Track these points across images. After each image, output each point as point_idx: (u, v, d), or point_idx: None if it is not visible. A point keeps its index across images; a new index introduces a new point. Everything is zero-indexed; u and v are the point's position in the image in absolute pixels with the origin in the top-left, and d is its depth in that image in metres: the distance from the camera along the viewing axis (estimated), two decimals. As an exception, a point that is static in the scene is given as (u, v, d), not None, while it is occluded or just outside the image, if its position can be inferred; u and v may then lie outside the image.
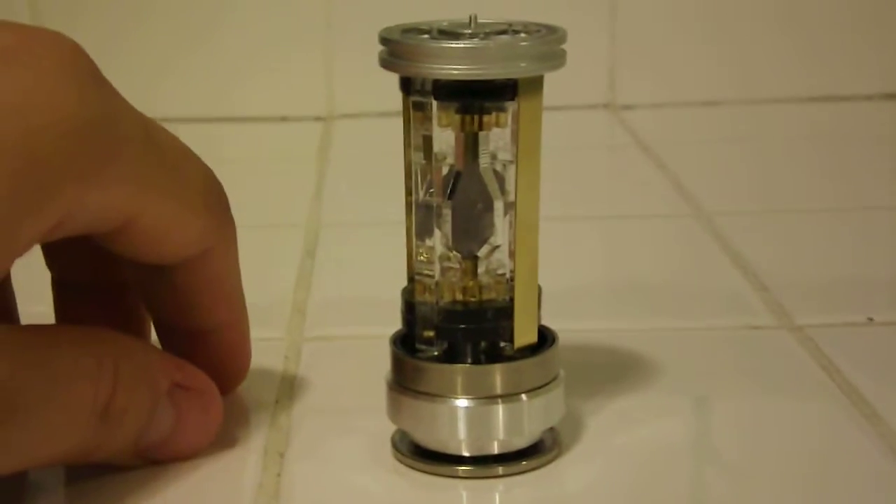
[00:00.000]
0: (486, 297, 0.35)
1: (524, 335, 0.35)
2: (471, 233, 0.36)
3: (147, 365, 0.35)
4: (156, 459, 0.36)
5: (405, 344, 0.36)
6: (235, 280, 0.38)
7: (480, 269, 0.36)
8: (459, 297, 0.35)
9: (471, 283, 0.35)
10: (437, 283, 0.35)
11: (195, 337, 0.38)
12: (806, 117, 0.79)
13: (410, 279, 0.36)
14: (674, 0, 0.81)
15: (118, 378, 0.33)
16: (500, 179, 0.35)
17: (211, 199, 0.36)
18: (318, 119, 0.76)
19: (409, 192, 0.36)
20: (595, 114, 0.80)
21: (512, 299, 0.35)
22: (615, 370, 0.42)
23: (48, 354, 0.32)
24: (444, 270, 0.36)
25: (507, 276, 0.36)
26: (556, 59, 0.34)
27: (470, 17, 0.35)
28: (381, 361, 0.36)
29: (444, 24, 0.35)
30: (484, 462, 0.35)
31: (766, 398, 0.40)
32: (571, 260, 0.54)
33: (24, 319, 0.38)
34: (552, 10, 0.76)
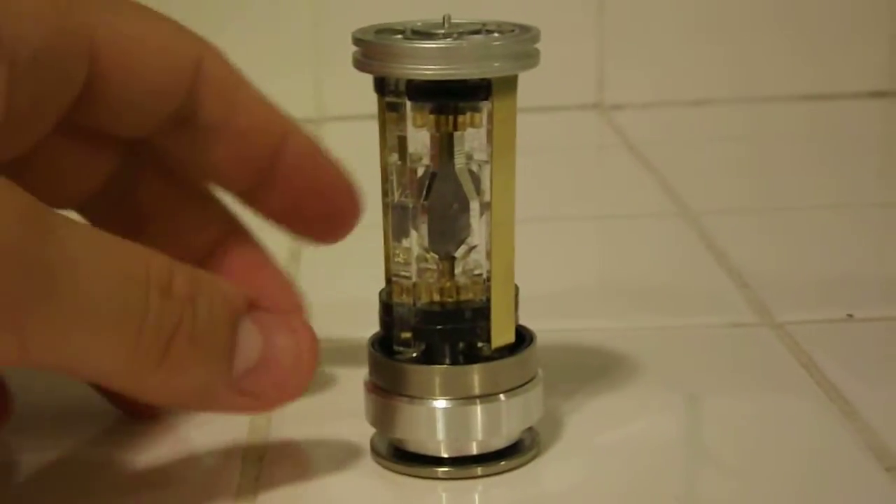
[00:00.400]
0: (463, 297, 0.35)
1: (501, 335, 0.35)
2: (447, 234, 0.36)
3: (212, 277, 0.33)
4: (256, 395, 0.32)
5: (383, 346, 0.36)
6: (252, 87, 0.37)
7: (457, 270, 0.36)
8: (437, 298, 0.35)
9: (448, 284, 0.35)
10: (414, 285, 0.35)
11: (263, 175, 0.37)
12: (793, 116, 0.79)
13: (388, 281, 0.36)
14: (661, 0, 0.81)
15: (175, 264, 0.31)
16: (476, 180, 0.35)
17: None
18: (307, 121, 0.76)
19: (385, 194, 0.36)
20: (584, 114, 0.80)
21: (489, 300, 0.35)
22: (596, 369, 0.42)
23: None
24: (420, 272, 0.36)
25: (484, 276, 0.36)
26: (530, 58, 0.34)
27: (443, 18, 0.35)
28: (360, 363, 0.36)
29: (418, 24, 0.35)
30: (463, 463, 0.35)
31: (746, 395, 0.40)
32: (556, 260, 0.54)
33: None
34: (540, 10, 0.77)
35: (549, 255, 0.54)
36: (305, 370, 0.33)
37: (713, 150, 0.73)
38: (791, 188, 0.65)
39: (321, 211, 0.38)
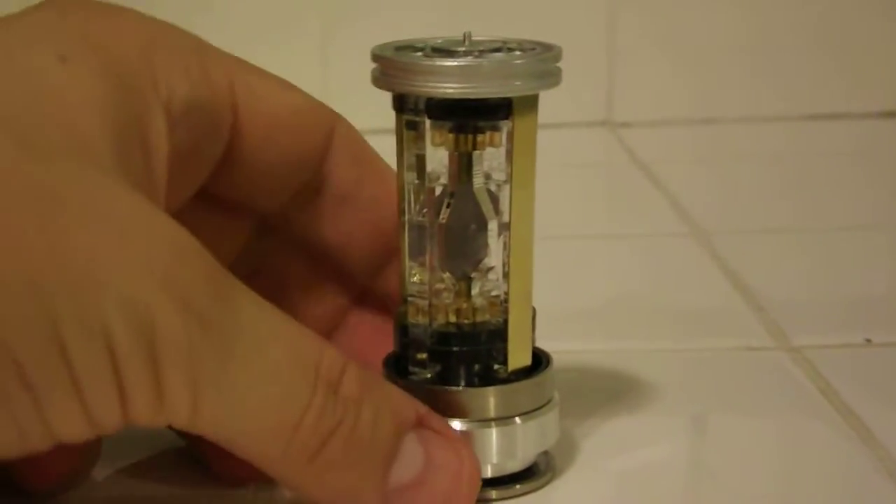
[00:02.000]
0: (479, 318, 0.35)
1: (518, 358, 0.35)
2: (464, 254, 0.35)
3: (386, 385, 0.33)
4: None
5: (398, 366, 0.36)
6: (379, 158, 0.37)
7: (474, 291, 0.35)
8: (453, 319, 0.35)
9: (464, 305, 0.35)
10: (430, 305, 0.35)
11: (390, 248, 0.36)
12: (805, 135, 0.78)
13: (403, 300, 0.36)
14: (672, 18, 0.81)
15: (348, 364, 0.31)
16: (494, 200, 0.35)
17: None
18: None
19: (401, 213, 0.35)
20: (592, 131, 0.80)
21: (506, 321, 0.35)
22: (610, 391, 0.42)
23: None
24: (436, 292, 0.35)
25: (501, 297, 0.35)
26: (552, 77, 0.34)
27: (464, 35, 0.35)
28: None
29: (438, 41, 0.35)
30: (477, 486, 0.35)
31: (763, 420, 0.40)
32: (567, 279, 0.54)
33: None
34: (550, 28, 0.76)
35: (558, 274, 0.54)
36: (463, 498, 0.33)
37: (723, 169, 0.73)
38: (805, 209, 0.64)
39: None
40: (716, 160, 0.74)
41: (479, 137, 0.34)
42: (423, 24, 0.58)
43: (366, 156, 0.37)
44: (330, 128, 0.36)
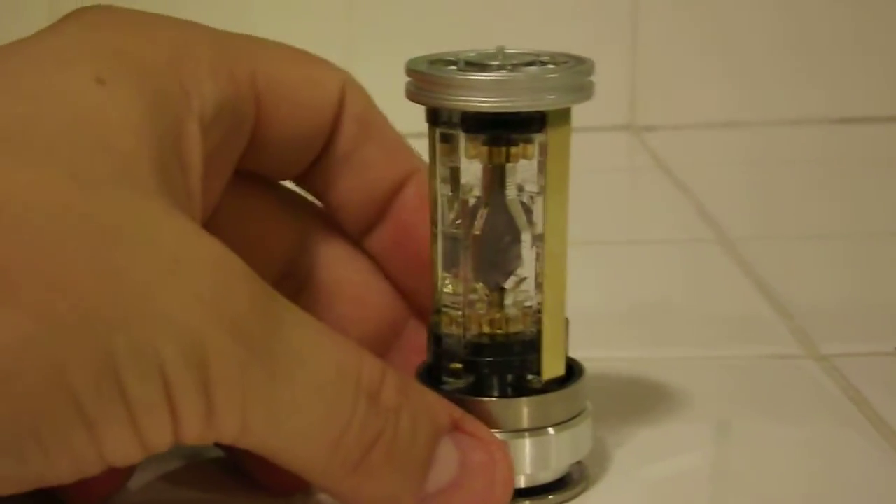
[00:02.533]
0: (512, 329, 0.35)
1: (552, 368, 0.35)
2: (498, 265, 0.35)
3: (421, 390, 0.33)
4: None
5: (431, 375, 0.36)
6: (384, 119, 0.37)
7: (507, 302, 0.35)
8: (486, 329, 0.35)
9: (498, 316, 0.35)
10: (463, 316, 0.35)
11: (381, 211, 0.37)
12: (830, 139, 0.78)
13: (437, 311, 0.36)
14: (694, 21, 0.80)
15: (386, 371, 0.31)
16: (528, 211, 0.35)
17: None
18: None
19: (433, 223, 0.36)
20: (615, 135, 0.80)
21: (539, 332, 0.35)
22: (639, 400, 0.42)
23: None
24: (470, 303, 0.35)
25: (534, 308, 0.35)
26: (585, 90, 0.34)
27: (497, 49, 0.35)
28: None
29: (471, 54, 0.35)
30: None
31: (793, 429, 0.40)
32: (591, 286, 0.53)
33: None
34: (573, 31, 0.77)
35: (580, 280, 0.54)
36: (497, 500, 0.33)
37: (747, 173, 0.73)
38: (833, 214, 0.64)
39: (416, 261, 0.37)
40: (741, 164, 0.74)
41: (513, 150, 0.34)
42: (449, 34, 0.58)
43: (369, 118, 0.37)
44: (342, 91, 0.36)
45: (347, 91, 0.36)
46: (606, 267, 0.58)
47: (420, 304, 0.38)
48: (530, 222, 0.35)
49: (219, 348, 0.28)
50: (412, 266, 0.38)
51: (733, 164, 0.74)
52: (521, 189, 0.35)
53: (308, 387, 0.30)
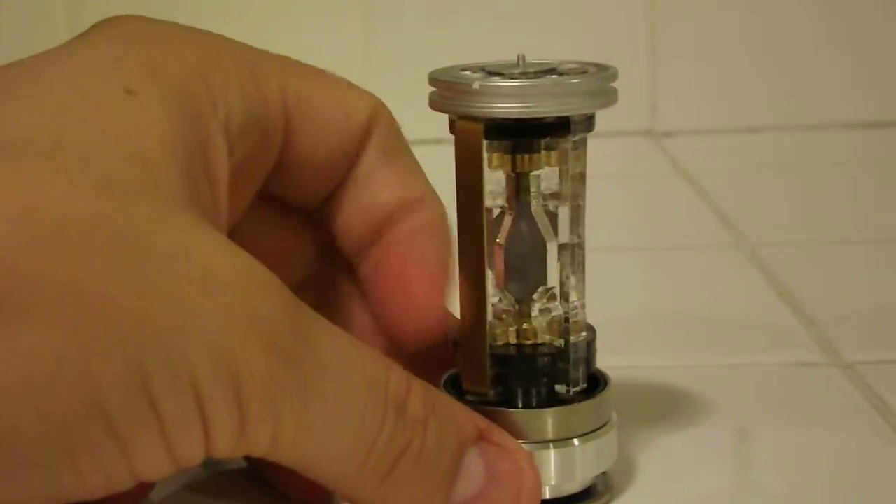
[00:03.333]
0: (539, 340, 0.35)
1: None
2: (524, 275, 0.35)
3: (447, 400, 0.33)
4: None
5: (456, 386, 0.36)
6: (408, 150, 0.37)
7: (533, 312, 0.35)
8: (513, 340, 0.35)
9: (525, 327, 0.35)
10: (490, 327, 0.35)
11: (375, 233, 0.36)
12: (850, 144, 0.78)
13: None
14: (715, 25, 0.80)
15: (413, 382, 0.31)
16: (553, 219, 0.35)
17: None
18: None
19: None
20: (636, 141, 0.79)
21: (567, 342, 0.35)
22: (663, 408, 0.42)
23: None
24: (496, 313, 0.35)
25: (561, 318, 0.35)
26: (609, 95, 0.34)
27: (518, 57, 0.35)
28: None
29: (493, 64, 0.35)
30: (535, 507, 0.35)
31: (819, 439, 0.40)
32: (612, 293, 0.53)
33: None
34: (592, 37, 0.77)
35: (601, 287, 0.54)
36: None
37: (768, 178, 0.72)
38: (853, 219, 0.64)
39: (400, 303, 0.36)
40: (761, 170, 0.74)
41: (536, 157, 0.34)
42: (469, 45, 0.58)
43: (394, 143, 0.37)
44: (372, 115, 0.36)
45: (378, 113, 0.36)
46: (627, 274, 0.58)
47: (395, 334, 0.36)
48: (556, 231, 0.35)
49: (253, 363, 0.28)
50: (389, 293, 0.36)
51: (753, 169, 0.74)
52: (545, 197, 0.35)
53: (339, 399, 0.30)
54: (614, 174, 0.73)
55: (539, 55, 0.35)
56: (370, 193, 0.36)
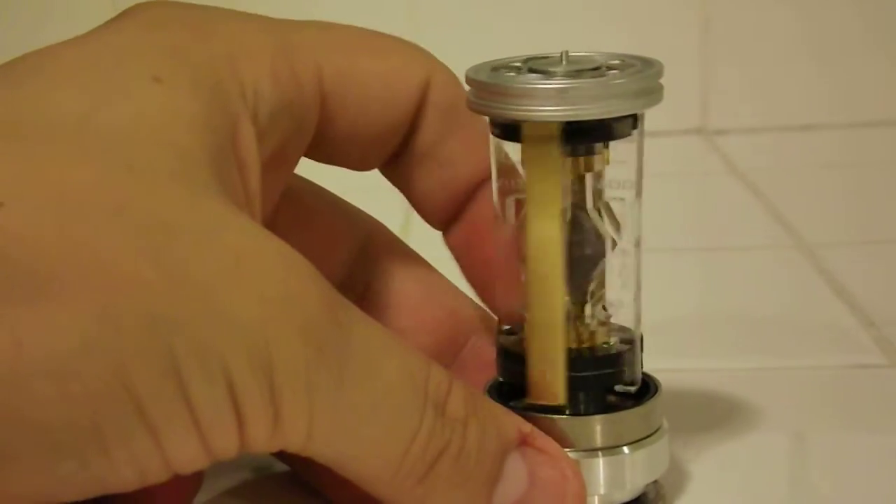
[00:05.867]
0: (595, 343, 0.34)
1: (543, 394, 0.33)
2: (580, 277, 0.34)
3: (489, 403, 0.32)
4: None
5: (500, 392, 0.35)
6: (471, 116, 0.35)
7: (587, 315, 0.34)
8: (573, 345, 0.34)
9: (579, 330, 0.34)
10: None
11: (459, 209, 0.36)
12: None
13: (512, 326, 0.35)
14: (767, 21, 0.79)
15: (454, 381, 0.30)
16: (612, 220, 0.34)
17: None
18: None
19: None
20: (687, 139, 0.78)
21: (618, 346, 0.34)
22: (716, 413, 0.41)
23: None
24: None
25: (609, 321, 0.34)
26: (655, 93, 0.33)
27: (561, 54, 0.34)
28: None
29: (534, 60, 0.34)
30: (585, 517, 0.34)
31: (879, 444, 0.38)
32: (665, 294, 0.52)
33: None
34: (643, 34, 0.75)
35: (656, 289, 0.53)
36: None
37: (822, 176, 0.71)
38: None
39: (483, 267, 0.36)
40: (816, 168, 0.73)
41: (593, 159, 0.33)
42: (514, 38, 0.57)
43: (456, 110, 0.35)
44: (425, 83, 0.35)
45: (433, 80, 0.35)
46: (680, 275, 0.57)
47: (487, 312, 0.37)
48: (616, 231, 0.34)
49: (287, 351, 0.27)
50: (480, 271, 0.37)
51: (808, 167, 0.73)
52: (601, 197, 0.34)
53: (376, 393, 0.29)
54: (665, 173, 0.72)
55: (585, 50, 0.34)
56: (446, 168, 0.36)
